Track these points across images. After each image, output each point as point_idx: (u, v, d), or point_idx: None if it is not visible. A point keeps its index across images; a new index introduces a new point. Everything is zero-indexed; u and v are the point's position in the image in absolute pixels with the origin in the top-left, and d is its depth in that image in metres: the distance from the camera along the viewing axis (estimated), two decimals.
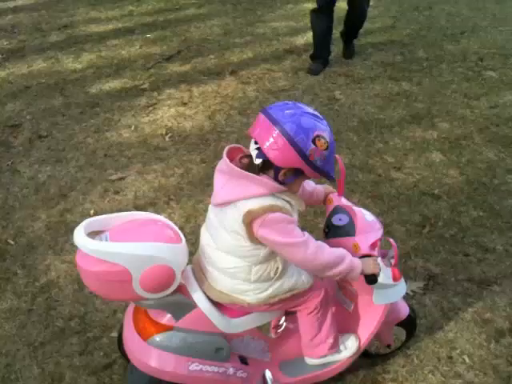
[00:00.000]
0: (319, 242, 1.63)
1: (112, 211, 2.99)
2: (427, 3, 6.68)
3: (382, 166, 3.50)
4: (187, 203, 3.14)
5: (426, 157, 3.60)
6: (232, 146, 1.64)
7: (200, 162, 3.54)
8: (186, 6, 6.70)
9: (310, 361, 1.92)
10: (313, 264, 1.60)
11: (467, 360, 2.22)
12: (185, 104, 4.30)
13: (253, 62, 5.09)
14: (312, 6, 4.91)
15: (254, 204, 1.51)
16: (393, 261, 1.79)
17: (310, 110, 1.55)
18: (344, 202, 1.93)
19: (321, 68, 4.85)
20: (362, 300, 1.92)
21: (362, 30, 5.23)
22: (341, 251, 1.65)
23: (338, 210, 1.89)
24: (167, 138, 3.82)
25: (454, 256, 2.74)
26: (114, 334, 2.32)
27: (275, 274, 1.66)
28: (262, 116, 1.53)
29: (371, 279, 1.71)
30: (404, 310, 2.08)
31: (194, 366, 1.67)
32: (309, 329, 1.85)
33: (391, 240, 1.76)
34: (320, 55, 4.88)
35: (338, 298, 2.01)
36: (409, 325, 2.13)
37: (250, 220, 1.51)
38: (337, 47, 5.17)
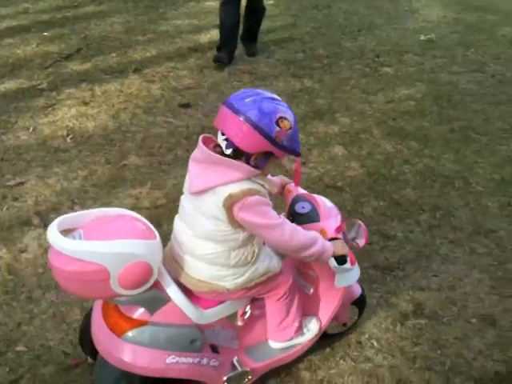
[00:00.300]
0: (294, 225, 1.69)
1: (11, 219, 2.89)
2: (326, 2, 6.89)
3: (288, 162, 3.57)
4: (92, 206, 3.02)
5: (328, 151, 3.72)
6: (205, 135, 1.67)
7: (105, 163, 3.44)
8: (85, 2, 6.47)
9: (275, 345, 1.98)
10: (289, 245, 1.66)
11: (375, 344, 2.32)
12: (86, 104, 4.15)
13: (157, 59, 5.01)
14: (214, 3, 4.91)
15: (234, 188, 1.56)
16: (361, 241, 1.87)
17: (268, 94, 1.60)
18: (301, 191, 2.01)
19: (227, 58, 4.86)
20: (323, 284, 2.02)
21: (264, 28, 5.32)
22: (314, 233, 1.73)
23: (298, 199, 1.97)
24: (68, 140, 3.68)
25: None
26: (20, 348, 2.20)
27: (252, 258, 1.71)
28: (224, 108, 1.58)
29: (341, 260, 1.81)
30: (357, 290, 2.23)
31: (171, 359, 1.67)
32: (277, 314, 1.92)
33: (359, 221, 1.88)
34: (226, 47, 4.89)
35: (298, 282, 2.05)
36: (361, 303, 2.28)
37: (230, 204, 1.56)
38: (241, 44, 5.20)
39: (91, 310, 1.84)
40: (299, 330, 2.00)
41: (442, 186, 3.41)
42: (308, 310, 2.06)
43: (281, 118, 1.54)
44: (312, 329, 2.04)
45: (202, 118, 4.01)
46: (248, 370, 1.91)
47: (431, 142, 3.90)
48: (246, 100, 1.55)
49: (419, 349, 2.31)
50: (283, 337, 1.97)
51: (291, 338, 1.98)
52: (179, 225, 1.76)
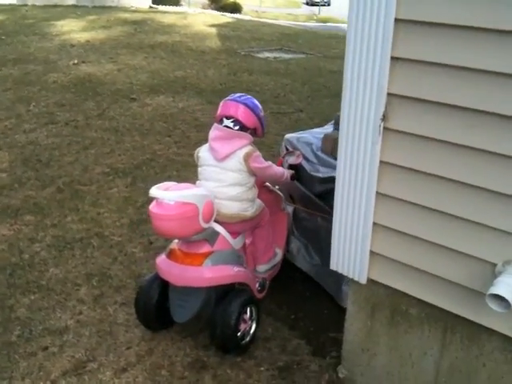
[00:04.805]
0: (273, 164, 2.67)
1: None
2: None
3: None
4: None
5: None
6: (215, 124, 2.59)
7: None
8: None
9: (261, 268, 2.84)
10: (276, 176, 2.68)
11: None
12: None
13: None
14: None
15: (246, 149, 2.50)
16: (292, 160, 2.90)
17: (248, 96, 2.61)
18: None
19: None
20: (273, 216, 2.89)
21: None
22: (280, 168, 2.76)
23: None
24: None
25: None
26: None
27: (255, 195, 2.65)
28: (227, 101, 2.55)
29: (294, 177, 2.83)
30: None
31: (235, 268, 2.52)
32: (263, 239, 2.81)
33: (291, 151, 2.97)
34: None
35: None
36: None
37: (247, 158, 2.48)
38: None
39: (140, 287, 2.56)
40: (274, 253, 2.90)
41: (82, 251, 3.18)
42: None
43: (261, 108, 2.60)
44: (279, 251, 2.96)
45: None
46: (265, 277, 2.85)
47: (46, 209, 3.60)
48: (241, 97, 2.56)
49: None
50: (266, 259, 2.84)
51: (270, 259, 2.86)
52: (210, 184, 2.52)
